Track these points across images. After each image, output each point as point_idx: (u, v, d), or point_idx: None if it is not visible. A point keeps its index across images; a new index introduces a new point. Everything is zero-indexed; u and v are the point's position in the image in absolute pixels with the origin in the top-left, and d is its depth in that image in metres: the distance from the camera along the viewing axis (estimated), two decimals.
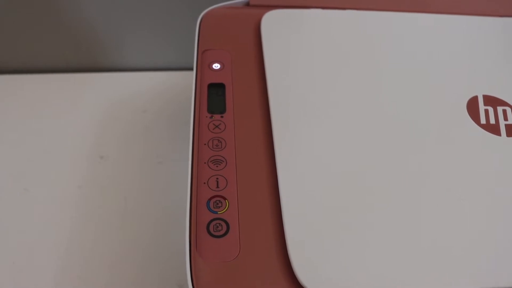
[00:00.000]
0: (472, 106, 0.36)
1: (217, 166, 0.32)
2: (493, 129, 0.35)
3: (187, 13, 0.56)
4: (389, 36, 0.41)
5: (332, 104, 0.36)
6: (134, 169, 0.49)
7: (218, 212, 0.30)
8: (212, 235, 0.29)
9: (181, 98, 0.56)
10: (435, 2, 0.45)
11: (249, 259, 0.28)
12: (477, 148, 0.34)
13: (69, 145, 0.51)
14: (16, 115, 0.54)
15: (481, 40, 0.42)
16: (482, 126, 0.35)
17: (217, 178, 0.32)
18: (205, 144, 0.34)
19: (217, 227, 0.30)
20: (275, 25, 0.41)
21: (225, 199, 0.31)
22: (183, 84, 0.58)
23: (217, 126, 0.35)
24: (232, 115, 0.35)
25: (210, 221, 0.30)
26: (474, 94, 0.37)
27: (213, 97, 0.36)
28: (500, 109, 0.36)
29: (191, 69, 0.38)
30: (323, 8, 0.43)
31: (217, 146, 0.34)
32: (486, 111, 0.36)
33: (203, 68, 0.38)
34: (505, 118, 0.36)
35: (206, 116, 0.35)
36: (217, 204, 0.31)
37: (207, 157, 0.33)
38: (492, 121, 0.36)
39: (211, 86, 0.37)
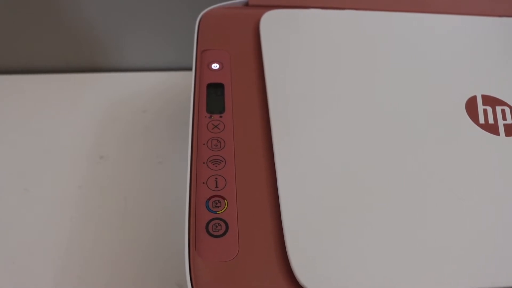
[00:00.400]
0: (471, 106, 0.36)
1: (216, 166, 0.32)
2: (492, 128, 0.35)
3: (187, 13, 0.56)
4: (388, 36, 0.41)
5: (331, 104, 0.36)
6: (134, 169, 0.49)
7: (217, 212, 0.30)
8: (211, 234, 0.29)
9: (181, 98, 0.57)
10: (434, 2, 0.46)
11: (248, 259, 0.29)
12: (476, 148, 0.34)
13: (69, 145, 0.51)
14: (16, 115, 0.54)
15: (480, 40, 0.42)
16: (480, 126, 0.35)
17: (216, 178, 0.32)
18: (204, 144, 0.34)
19: (216, 227, 0.30)
20: (274, 25, 0.41)
21: (224, 199, 0.31)
22: (183, 84, 0.58)
23: (216, 126, 0.35)
24: (231, 115, 0.35)
25: (209, 221, 0.30)
26: (473, 94, 0.37)
27: (212, 97, 0.36)
28: (499, 109, 0.36)
29: (191, 69, 0.39)
30: (322, 8, 0.43)
31: (216, 146, 0.34)
32: (485, 111, 0.36)
33: (202, 68, 0.38)
34: (504, 118, 0.36)
35: (205, 116, 0.35)
36: (216, 204, 0.31)
37: (206, 157, 0.33)
38: (491, 120, 0.36)
39: (210, 86, 0.37)
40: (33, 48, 0.59)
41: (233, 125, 0.35)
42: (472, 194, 0.32)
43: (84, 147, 0.51)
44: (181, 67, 0.61)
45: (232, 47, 0.40)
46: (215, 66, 0.39)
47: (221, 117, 0.35)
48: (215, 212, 0.30)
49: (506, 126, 0.35)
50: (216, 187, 0.32)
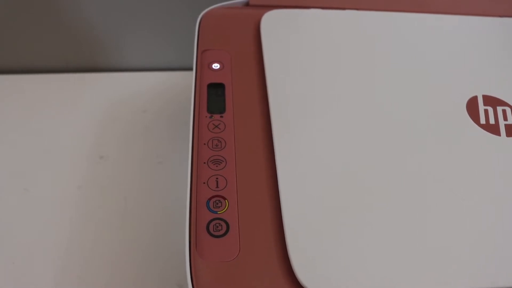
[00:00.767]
0: (471, 106, 0.36)
1: (216, 166, 0.32)
2: (493, 129, 0.35)
3: (187, 13, 0.56)
4: (389, 36, 0.41)
5: (331, 104, 0.36)
6: (134, 169, 0.49)
7: (218, 212, 0.30)
8: (212, 235, 0.29)
9: (181, 98, 0.56)
10: (434, 2, 0.46)
11: (249, 259, 0.28)
12: (477, 148, 0.34)
13: (69, 145, 0.51)
14: (16, 115, 0.54)
15: (480, 40, 0.42)
16: (481, 126, 0.35)
17: (216, 178, 0.32)
18: (204, 144, 0.34)
19: (217, 227, 0.30)
20: (274, 25, 0.41)
21: (224, 199, 0.31)
22: (183, 84, 0.58)
23: (216, 126, 0.35)
24: (231, 115, 0.35)
25: (210, 221, 0.30)
26: (473, 94, 0.37)
27: (212, 97, 0.36)
28: (499, 109, 0.36)
29: (191, 69, 0.38)
30: (322, 8, 0.43)
31: (216, 146, 0.34)
32: (486, 111, 0.36)
33: (202, 68, 0.38)
34: (505, 118, 0.36)
35: (206, 116, 0.35)
36: (217, 204, 0.31)
37: (207, 157, 0.33)
38: (492, 121, 0.36)
39: (211, 86, 0.37)
40: (33, 48, 0.59)
41: (234, 125, 0.35)
42: (472, 194, 0.32)
43: (84, 147, 0.51)
44: (181, 67, 0.61)
45: (232, 47, 0.40)
46: (216, 66, 0.39)
47: (221, 117, 0.35)
48: (215, 212, 0.30)
49: (507, 127, 0.35)
50: (217, 187, 0.31)
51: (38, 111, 0.55)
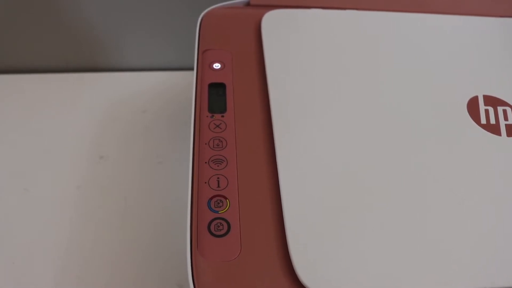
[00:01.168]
0: (472, 106, 0.36)
1: (218, 166, 0.32)
2: (494, 129, 0.35)
3: (187, 13, 0.56)
4: (389, 36, 0.42)
5: (332, 104, 0.36)
6: (134, 169, 0.49)
7: (219, 212, 0.30)
8: (213, 234, 0.29)
9: (181, 98, 0.56)
10: (434, 2, 0.46)
11: (250, 259, 0.28)
12: (477, 148, 0.34)
13: (69, 145, 0.51)
14: (16, 115, 0.54)
15: (481, 40, 0.42)
16: (482, 126, 0.35)
17: (218, 178, 0.32)
18: (206, 143, 0.34)
19: (218, 226, 0.30)
20: (275, 25, 0.41)
21: (226, 198, 0.31)
22: (183, 84, 0.58)
23: (217, 126, 0.35)
24: (232, 115, 0.35)
25: (211, 220, 0.30)
26: (474, 94, 0.37)
27: (213, 96, 0.36)
28: (500, 109, 0.36)
29: (191, 69, 0.38)
30: (323, 8, 0.43)
31: (217, 145, 0.33)
32: (487, 111, 0.36)
33: (203, 67, 0.38)
34: (506, 118, 0.36)
35: (207, 116, 0.35)
36: (218, 203, 0.31)
37: (208, 157, 0.33)
38: (493, 121, 0.36)
39: (212, 85, 0.37)
40: (33, 48, 0.59)
41: (235, 125, 0.35)
42: (472, 194, 0.32)
43: (84, 147, 0.51)
44: (181, 67, 0.61)
45: (233, 47, 0.40)
46: (217, 66, 0.39)
47: (222, 116, 0.35)
48: (217, 212, 0.30)
49: (507, 127, 0.35)
50: (218, 186, 0.31)
51: (38, 111, 0.55)
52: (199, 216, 0.30)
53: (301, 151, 0.33)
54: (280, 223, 0.30)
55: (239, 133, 0.34)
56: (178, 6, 0.56)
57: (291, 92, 0.36)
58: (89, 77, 0.60)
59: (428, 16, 0.44)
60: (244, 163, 0.33)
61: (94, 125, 0.53)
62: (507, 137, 0.35)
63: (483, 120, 0.36)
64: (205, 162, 0.33)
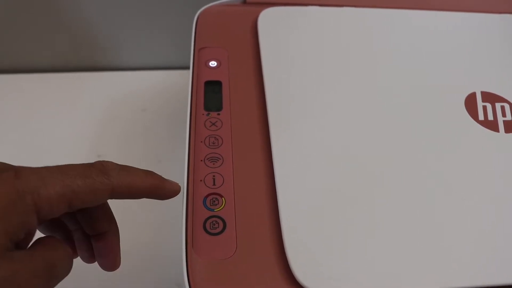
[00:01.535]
0: (470, 103, 0.36)
1: (213, 164, 0.32)
2: (491, 125, 0.35)
3: (185, 11, 0.56)
4: (387, 33, 0.41)
5: (328, 101, 0.36)
6: None
7: (215, 210, 0.30)
8: (208, 232, 0.29)
9: (180, 97, 0.56)
10: None
11: (246, 257, 0.28)
12: (475, 145, 0.34)
13: (68, 144, 0.51)
14: (15, 115, 0.54)
15: (479, 36, 0.42)
16: (480, 122, 0.35)
17: (213, 176, 0.32)
18: (201, 141, 0.33)
19: (214, 224, 0.30)
20: (272, 22, 0.41)
21: (221, 196, 0.31)
22: (182, 83, 0.58)
23: (213, 124, 0.35)
24: (228, 113, 0.35)
25: (206, 218, 0.30)
26: (472, 91, 0.37)
27: (209, 94, 0.36)
28: (498, 105, 0.36)
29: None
30: (320, 5, 0.43)
31: (213, 143, 0.33)
32: (484, 108, 0.36)
33: (199, 65, 0.38)
34: (503, 115, 0.36)
35: (203, 114, 0.35)
36: (214, 201, 0.31)
37: (204, 155, 0.33)
38: (490, 117, 0.36)
39: (208, 83, 0.37)
40: (33, 48, 0.59)
41: (231, 123, 0.35)
42: (471, 190, 0.32)
43: (83, 146, 0.51)
44: (180, 66, 0.61)
45: (230, 44, 0.40)
46: (213, 63, 0.38)
47: (218, 114, 0.35)
48: (212, 210, 0.30)
49: (505, 123, 0.35)
50: (214, 184, 0.31)
51: (37, 110, 0.55)
52: (194, 214, 0.30)
53: (297, 149, 0.33)
54: (276, 221, 0.30)
55: (235, 131, 0.34)
56: (176, 4, 0.56)
57: (287, 90, 0.36)
58: (88, 76, 0.60)
59: (426, 13, 0.43)
60: (240, 161, 0.33)
61: (93, 124, 0.53)
62: (505, 134, 0.35)
63: (481, 117, 0.35)
64: (201, 160, 0.32)
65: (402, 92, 0.37)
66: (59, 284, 0.25)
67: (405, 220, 0.30)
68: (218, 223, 0.30)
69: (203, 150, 0.33)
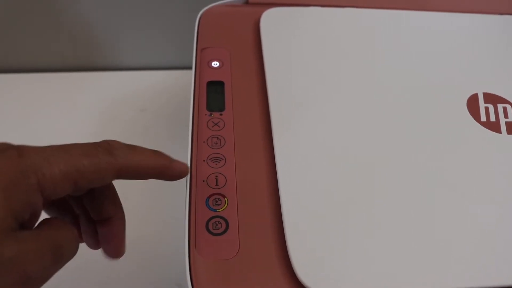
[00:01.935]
0: (472, 104, 0.36)
1: (216, 164, 0.32)
2: (494, 126, 0.35)
3: (186, 11, 0.56)
4: (388, 34, 0.41)
5: (331, 101, 0.36)
6: None
7: (217, 210, 0.30)
8: (211, 233, 0.29)
9: (180, 97, 0.56)
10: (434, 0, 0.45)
11: (248, 257, 0.28)
12: (478, 146, 0.34)
13: None
14: (15, 115, 0.54)
15: (481, 38, 0.42)
16: (482, 123, 0.35)
17: (216, 176, 0.32)
18: (204, 142, 0.33)
19: (216, 225, 0.29)
20: (274, 23, 0.41)
21: (224, 197, 0.31)
22: (182, 83, 0.58)
23: (216, 124, 0.35)
24: (231, 113, 0.35)
25: (209, 219, 0.30)
26: (474, 92, 0.37)
27: (212, 95, 0.36)
28: (500, 106, 0.36)
29: (191, 67, 0.38)
30: (321, 6, 0.43)
31: (216, 144, 0.33)
32: (486, 109, 0.36)
33: (202, 66, 0.38)
34: (506, 116, 0.36)
35: (205, 114, 0.35)
36: (216, 202, 0.30)
37: (206, 155, 0.33)
38: (493, 118, 0.36)
39: (210, 84, 0.37)
40: (33, 48, 0.59)
41: (233, 123, 0.35)
42: (473, 191, 0.32)
43: None
44: (181, 66, 0.61)
45: (232, 45, 0.40)
46: (215, 64, 0.38)
47: (221, 115, 0.35)
48: (215, 210, 0.30)
49: (507, 124, 0.35)
50: (216, 185, 0.31)
51: (36, 110, 0.55)
52: (197, 214, 0.30)
53: (300, 149, 0.33)
54: (278, 221, 0.30)
55: (238, 131, 0.34)
56: (177, 4, 0.56)
57: (289, 90, 0.36)
58: (88, 76, 0.60)
59: (428, 13, 0.43)
60: (243, 161, 0.33)
61: (93, 124, 0.53)
62: (507, 135, 0.35)
63: (483, 118, 0.36)
64: (204, 160, 0.32)
65: (404, 93, 0.37)
66: (64, 283, 0.25)
67: (406, 221, 0.30)
68: (220, 223, 0.30)
69: (205, 150, 0.33)
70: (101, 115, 0.54)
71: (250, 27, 0.41)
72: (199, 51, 0.39)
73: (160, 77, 0.60)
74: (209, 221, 0.30)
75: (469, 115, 0.36)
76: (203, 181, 0.31)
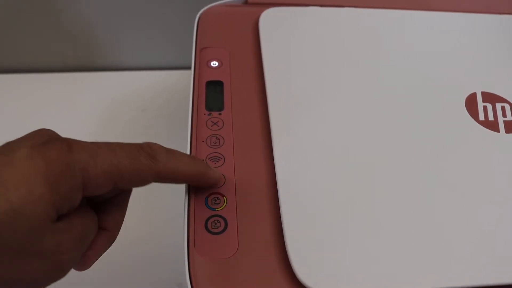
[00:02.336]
0: (470, 103, 0.36)
1: (215, 163, 0.32)
2: (492, 125, 0.35)
3: (186, 11, 0.56)
4: (387, 34, 0.41)
5: (330, 101, 0.36)
6: None
7: (216, 209, 0.30)
8: (210, 231, 0.29)
9: (180, 97, 0.56)
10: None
11: (247, 256, 0.28)
12: (476, 145, 0.34)
13: None
14: (15, 115, 0.54)
15: (480, 37, 0.42)
16: (480, 122, 0.35)
17: None
18: (203, 141, 0.34)
19: (215, 223, 0.30)
20: (273, 22, 0.41)
21: (223, 196, 0.31)
22: (182, 83, 0.58)
23: (215, 124, 0.35)
24: (230, 113, 0.35)
25: (208, 218, 0.30)
26: (472, 91, 0.37)
27: (211, 94, 0.36)
28: (498, 105, 0.36)
29: (190, 67, 0.38)
30: (321, 5, 0.43)
31: (215, 143, 0.33)
32: (485, 108, 0.36)
33: (201, 66, 0.38)
34: (504, 115, 0.36)
35: (204, 114, 0.35)
36: (215, 200, 0.31)
37: (205, 155, 0.33)
38: (491, 117, 0.36)
39: (209, 83, 0.37)
40: (33, 48, 0.59)
41: (232, 123, 0.35)
42: (471, 190, 0.32)
43: None
44: (181, 66, 0.61)
45: (231, 45, 0.40)
46: (214, 63, 0.39)
47: (220, 114, 0.35)
48: (214, 209, 0.30)
49: (506, 123, 0.35)
50: None
51: (37, 110, 0.55)
52: (196, 213, 0.30)
53: (299, 148, 0.33)
54: (277, 220, 0.30)
55: (237, 131, 0.34)
56: (177, 4, 0.56)
57: (288, 90, 0.36)
58: (88, 76, 0.60)
59: (427, 13, 0.44)
60: (242, 160, 0.33)
61: (93, 124, 0.53)
62: (505, 134, 0.35)
63: (482, 117, 0.36)
64: (203, 160, 0.32)
65: (403, 93, 0.37)
66: (64, 283, 0.25)
67: (406, 220, 0.30)
68: (219, 222, 0.30)
69: (204, 149, 0.33)
70: (101, 115, 0.54)
71: (249, 27, 0.41)
72: (198, 51, 0.39)
73: (160, 77, 0.60)
74: (208, 220, 0.30)
75: (468, 114, 0.36)
76: None
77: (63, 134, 0.54)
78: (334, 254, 0.28)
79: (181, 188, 0.32)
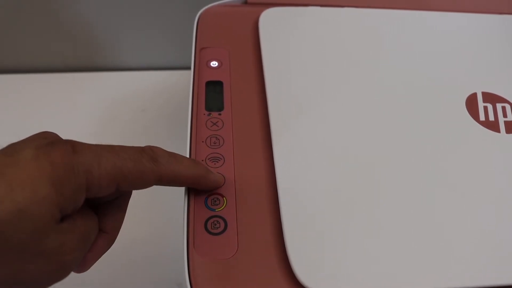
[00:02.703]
0: (471, 103, 0.36)
1: (215, 164, 0.32)
2: (492, 125, 0.35)
3: (185, 11, 0.56)
4: (388, 34, 0.41)
5: (330, 101, 0.36)
6: None
7: (216, 210, 0.30)
8: (210, 232, 0.29)
9: (180, 97, 0.56)
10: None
11: (247, 257, 0.28)
12: (476, 145, 0.34)
13: None
14: (15, 115, 0.54)
15: (480, 37, 0.42)
16: (481, 123, 0.35)
17: None
18: (203, 141, 0.33)
19: (215, 224, 0.30)
20: (273, 22, 0.41)
21: (223, 196, 0.31)
22: (182, 83, 0.58)
23: (215, 124, 0.35)
24: (230, 113, 0.35)
25: (208, 218, 0.30)
26: (473, 91, 0.37)
27: (211, 94, 0.36)
28: (499, 106, 0.36)
29: (190, 67, 0.38)
30: (320, 5, 0.43)
31: (215, 143, 0.33)
32: (485, 108, 0.36)
33: (201, 66, 0.38)
34: (504, 115, 0.36)
35: (204, 114, 0.35)
36: (215, 201, 0.31)
37: (205, 155, 0.33)
38: (491, 118, 0.36)
39: (209, 83, 0.37)
40: (33, 48, 0.59)
41: (232, 123, 0.35)
42: (472, 191, 0.32)
43: None
44: (180, 66, 0.61)
45: (231, 45, 0.40)
46: (214, 64, 0.38)
47: (220, 114, 0.35)
48: (213, 210, 0.30)
49: (506, 123, 0.35)
50: None
51: (37, 110, 0.55)
52: (196, 214, 0.30)
53: (298, 149, 0.33)
54: (277, 221, 0.30)
55: (236, 131, 0.34)
56: (177, 4, 0.56)
57: (288, 90, 0.36)
58: (88, 76, 0.60)
59: (427, 13, 0.43)
60: (241, 161, 0.33)
61: (93, 124, 0.53)
62: (506, 134, 0.35)
63: (482, 117, 0.36)
64: (202, 160, 0.32)
65: (403, 93, 0.37)
66: (63, 283, 0.25)
67: (406, 220, 0.30)
68: (219, 223, 0.30)
69: (204, 150, 0.33)
70: (101, 115, 0.54)
71: (249, 27, 0.41)
72: (198, 51, 0.39)
73: (160, 77, 0.60)
74: (207, 220, 0.30)
75: (468, 114, 0.36)
76: None
77: (64, 134, 0.54)
78: (334, 254, 0.28)
79: (181, 188, 0.32)
